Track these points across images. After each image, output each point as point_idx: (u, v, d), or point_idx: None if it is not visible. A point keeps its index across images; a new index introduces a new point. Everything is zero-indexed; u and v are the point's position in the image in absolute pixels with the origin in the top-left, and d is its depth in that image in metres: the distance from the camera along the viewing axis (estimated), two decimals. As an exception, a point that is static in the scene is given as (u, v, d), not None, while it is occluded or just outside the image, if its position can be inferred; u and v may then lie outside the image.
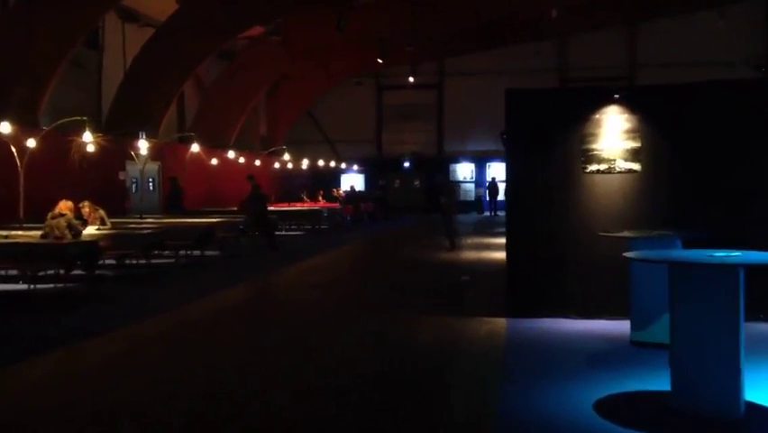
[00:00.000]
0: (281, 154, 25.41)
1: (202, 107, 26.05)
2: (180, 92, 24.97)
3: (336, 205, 26.71)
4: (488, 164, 35.10)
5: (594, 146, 7.88)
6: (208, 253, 14.55)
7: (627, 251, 7.30)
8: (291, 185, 30.52)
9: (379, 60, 26.08)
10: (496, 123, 33.12)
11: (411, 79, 31.72)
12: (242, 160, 24.13)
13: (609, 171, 7.85)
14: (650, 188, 7.76)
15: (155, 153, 20.38)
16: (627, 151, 7.81)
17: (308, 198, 29.59)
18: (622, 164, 7.82)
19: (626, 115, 7.80)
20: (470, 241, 18.76)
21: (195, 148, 18.11)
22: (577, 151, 7.94)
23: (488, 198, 33.40)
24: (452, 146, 35.48)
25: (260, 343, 7.22)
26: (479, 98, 33.74)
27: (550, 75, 33.62)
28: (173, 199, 18.59)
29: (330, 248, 17.04)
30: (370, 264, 14.66)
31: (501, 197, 32.43)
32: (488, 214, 32.59)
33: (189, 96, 26.53)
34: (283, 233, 21.35)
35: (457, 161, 35.63)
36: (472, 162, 35.45)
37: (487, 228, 23.77)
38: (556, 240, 7.99)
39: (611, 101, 7.81)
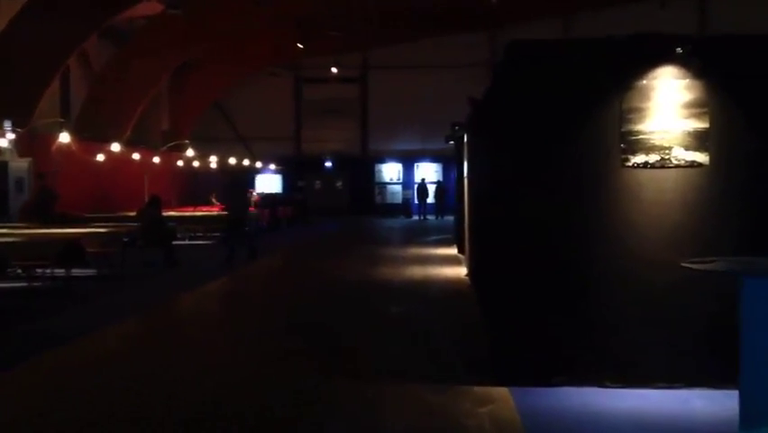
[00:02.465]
0: (184, 150, 21.92)
1: (91, 95, 22.28)
2: (63, 76, 21.25)
3: (250, 209, 23.47)
4: (416, 164, 32.64)
5: (640, 127, 5.24)
6: (78, 272, 11.20)
7: (718, 287, 4.77)
8: (198, 186, 27.04)
9: (300, 46, 23.09)
10: (425, 120, 30.75)
11: (334, 70, 28.83)
12: (136, 156, 20.57)
13: (663, 165, 5.22)
14: (722, 188, 5.18)
15: (24, 147, 16.71)
16: (690, 134, 5.20)
17: (218, 201, 26.28)
18: (681, 154, 5.21)
19: (687, 81, 5.20)
20: (408, 252, 16.03)
21: (64, 138, 14.57)
22: (614, 134, 5.27)
23: (416, 201, 30.86)
24: (377, 145, 32.79)
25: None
26: (406, 94, 31.33)
27: (483, 69, 31.46)
28: (42, 205, 14.89)
29: (241, 263, 13.92)
30: (290, 287, 11.67)
31: (431, 199, 30.09)
32: (417, 218, 30.05)
33: (76, 81, 22.73)
34: (186, 242, 18.03)
35: (383, 161, 32.96)
36: (400, 163, 32.87)
37: (421, 236, 21.14)
38: (578, 267, 5.31)
39: (667, 59, 5.18)
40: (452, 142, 16.20)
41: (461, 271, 12.25)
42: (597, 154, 5.30)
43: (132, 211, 17.56)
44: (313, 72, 32.10)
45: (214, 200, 26.24)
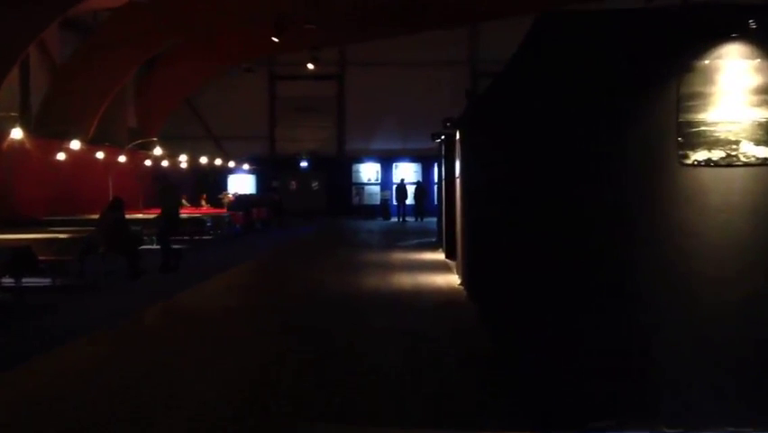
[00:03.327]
0: (151, 149, 20.61)
1: (53, 90, 20.94)
2: (24, 69, 19.91)
3: (223, 210, 22.37)
4: (395, 164, 31.68)
5: (701, 117, 4.32)
6: (32, 283, 10.06)
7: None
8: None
9: (275, 40, 21.94)
10: (404, 119, 29.79)
11: (310, 66, 27.72)
12: (100, 154, 19.31)
13: (729, 163, 4.31)
14: (800, 193, 4.29)
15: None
16: (762, 126, 4.30)
17: (189, 202, 25.12)
18: (751, 150, 4.30)
19: (759, 61, 4.29)
20: (393, 257, 15.04)
21: (17, 134, 13.34)
22: (669, 125, 4.35)
23: (395, 203, 29.91)
24: (354, 144, 31.76)
25: None
26: (384, 92, 30.42)
27: (464, 67, 30.67)
28: None
29: (213, 272, 12.81)
30: (271, 296, 10.62)
31: (410, 200, 29.19)
32: (395, 220, 29.11)
33: (37, 75, 21.34)
34: (153, 247, 16.85)
35: (361, 161, 31.93)
36: (378, 163, 31.88)
37: (403, 239, 20.17)
38: (622, 285, 4.38)
39: (736, 35, 4.27)
40: (439, 140, 15.27)
41: (453, 280, 11.32)
42: (648, 149, 4.36)
43: (96, 214, 16.36)
44: (288, 69, 30.98)
45: (184, 202, 25.06)
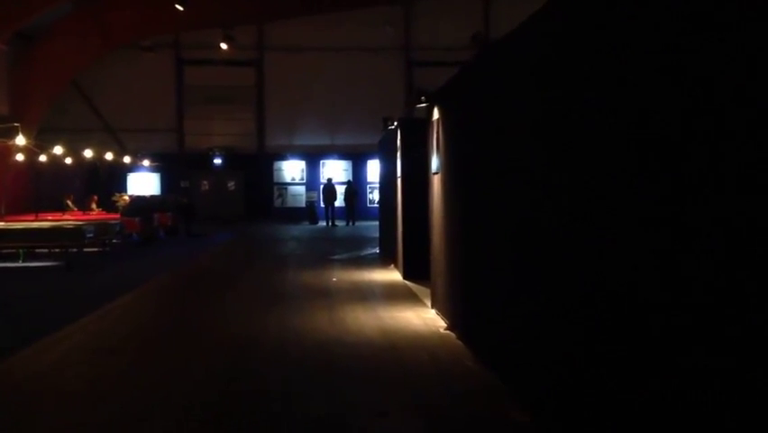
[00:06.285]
0: (11, 137, 15.95)
1: None
2: None
3: (116, 216, 18.34)
4: (322, 162, 28.20)
5: None
6: None
7: None
8: (43, 188, 21.41)
9: (179, 8, 18.11)
10: (332, 111, 26.31)
11: (224, 46, 23.88)
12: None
13: None
14: None
15: None
16: None
17: (76, 206, 20.97)
18: None
19: None
20: (337, 279, 11.57)
21: None
22: None
23: (323, 205, 26.44)
24: (276, 140, 28.07)
25: None
26: (309, 81, 27.03)
27: (399, 54, 27.56)
28: None
29: (86, 308, 8.99)
30: (159, 369, 7.02)
31: (339, 202, 25.85)
32: (324, 224, 25.64)
33: None
34: (19, 264, 12.91)
35: (283, 159, 28.25)
36: (303, 160, 28.29)
37: (340, 250, 16.71)
38: None
39: None
40: (392, 126, 11.98)
41: (431, 317, 8.02)
42: None
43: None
44: (197, 52, 26.94)
45: (70, 204, 20.85)
